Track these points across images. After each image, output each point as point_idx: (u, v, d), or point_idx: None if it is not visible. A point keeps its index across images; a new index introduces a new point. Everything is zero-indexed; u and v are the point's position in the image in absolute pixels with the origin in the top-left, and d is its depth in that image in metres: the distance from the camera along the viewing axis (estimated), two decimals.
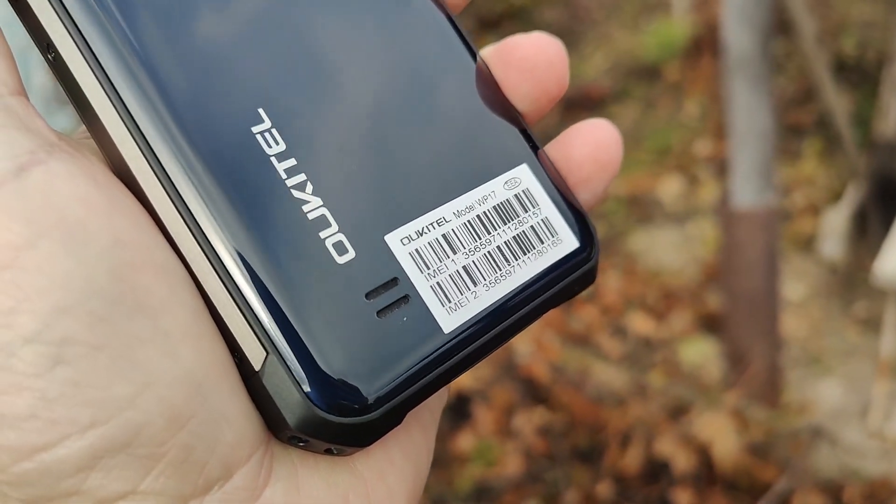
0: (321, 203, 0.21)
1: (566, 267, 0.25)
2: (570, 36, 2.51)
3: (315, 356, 0.20)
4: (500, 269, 0.24)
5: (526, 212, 0.25)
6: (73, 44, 0.20)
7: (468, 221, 0.24)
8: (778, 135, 1.62)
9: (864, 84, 2.14)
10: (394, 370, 0.21)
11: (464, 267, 0.23)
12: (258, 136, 0.21)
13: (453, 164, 0.24)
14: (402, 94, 0.24)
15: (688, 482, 1.33)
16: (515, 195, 0.25)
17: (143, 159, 0.20)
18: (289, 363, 0.20)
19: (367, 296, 0.21)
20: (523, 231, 0.25)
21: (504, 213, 0.25)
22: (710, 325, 1.72)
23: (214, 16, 0.22)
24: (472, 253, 0.23)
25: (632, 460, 1.36)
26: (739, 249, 1.54)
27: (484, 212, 0.24)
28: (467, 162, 0.25)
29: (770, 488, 1.32)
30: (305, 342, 0.20)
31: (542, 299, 0.24)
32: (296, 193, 0.21)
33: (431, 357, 0.22)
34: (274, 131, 0.22)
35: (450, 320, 0.22)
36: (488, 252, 0.24)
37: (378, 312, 0.21)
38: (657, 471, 1.36)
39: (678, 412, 1.43)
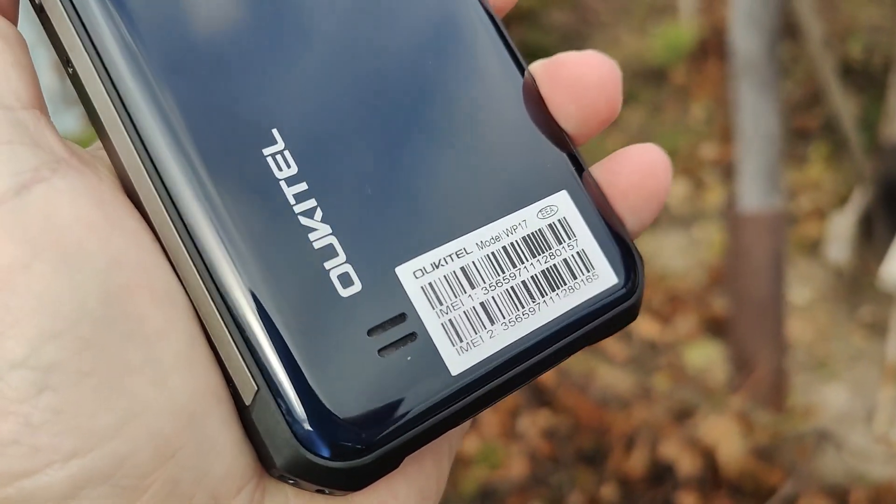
0: (330, 231, 0.20)
1: (600, 305, 0.23)
2: (577, 38, 2.51)
3: (307, 395, 0.19)
4: (523, 307, 0.22)
5: (560, 243, 0.23)
6: (89, 60, 0.20)
7: (492, 253, 0.22)
8: (784, 139, 1.62)
9: (870, 88, 2.14)
10: (391, 413, 0.20)
11: (481, 303, 0.22)
12: (269, 159, 0.20)
13: (484, 189, 0.23)
14: (432, 108, 0.23)
15: (692, 485, 1.33)
16: (549, 225, 0.23)
17: (147, 176, 0.20)
18: (279, 400, 0.19)
19: (370, 332, 0.20)
20: (554, 265, 0.23)
21: (534, 244, 0.23)
22: (716, 328, 1.72)
23: (231, 30, 0.21)
24: (492, 288, 0.22)
25: (636, 463, 1.36)
26: (745, 253, 1.54)
27: (511, 243, 0.22)
28: (500, 187, 0.23)
29: (775, 492, 1.32)
30: (298, 379, 0.19)
31: (567, 341, 0.22)
32: (303, 220, 0.20)
33: (434, 401, 0.20)
34: (286, 153, 0.21)
35: (459, 361, 0.21)
36: (511, 288, 0.22)
37: (380, 350, 0.20)
38: (662, 474, 1.36)
39: (683, 415, 1.43)
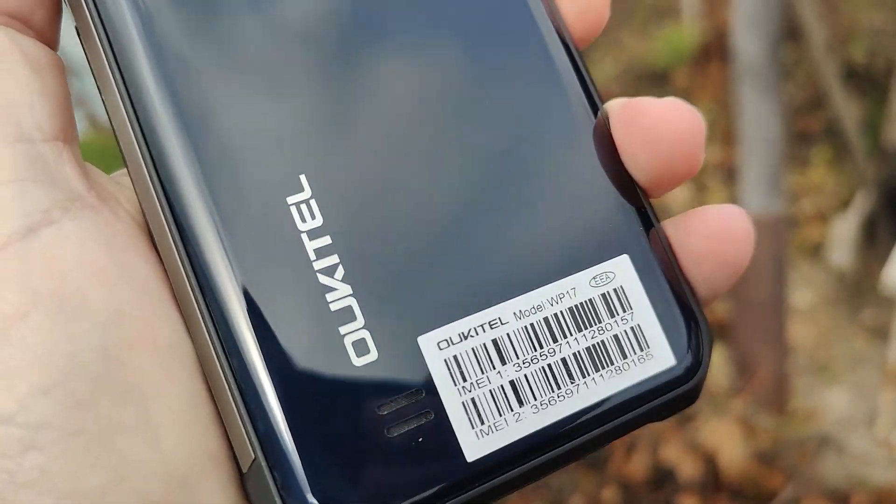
0: (350, 292, 0.19)
1: (650, 388, 0.20)
2: None
3: (304, 471, 0.18)
4: (559, 388, 0.19)
5: (612, 316, 0.20)
6: (118, 94, 0.19)
7: (531, 325, 0.20)
8: (787, 142, 1.62)
9: (873, 91, 2.14)
10: (392, 499, 0.18)
11: (511, 382, 0.19)
12: (293, 208, 0.19)
13: (532, 250, 0.20)
14: (481, 151, 0.20)
15: (693, 489, 1.33)
16: (603, 294, 0.20)
17: (162, 215, 0.19)
18: (275, 473, 0.18)
19: (381, 406, 0.18)
20: (602, 341, 0.20)
21: (582, 316, 0.20)
22: (717, 331, 1.72)
23: (264, 70, 0.20)
24: (525, 365, 0.19)
25: (637, 466, 1.36)
26: None
27: (555, 314, 0.20)
28: (551, 247, 0.20)
29: (776, 496, 1.32)
30: (295, 454, 0.18)
31: (604, 430, 0.20)
32: (322, 278, 0.19)
33: (441, 488, 0.18)
34: (312, 203, 0.19)
35: (476, 446, 0.19)
36: (548, 365, 0.19)
37: (389, 428, 0.18)
38: (663, 477, 1.35)
39: (684, 419, 1.43)
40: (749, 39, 1.47)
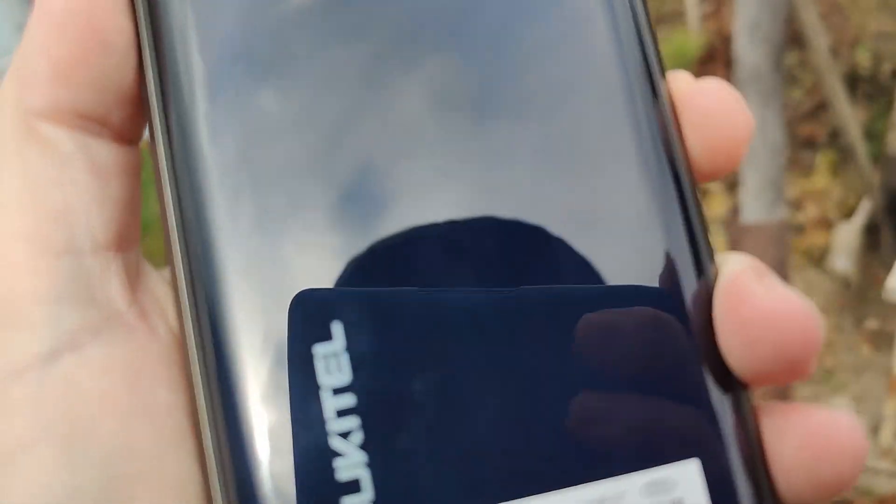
0: (364, 461, 0.16)
1: None
2: None
3: None
4: None
5: None
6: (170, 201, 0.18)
7: None
8: (789, 148, 1.61)
9: (878, 97, 2.13)
10: None
11: None
12: (318, 360, 0.16)
13: (574, 437, 0.16)
14: (538, 334, 0.16)
15: None
16: None
17: (186, 329, 0.18)
18: None
19: None
20: None
21: None
22: None
23: (310, 191, 0.17)
24: None
25: None
26: None
27: None
28: (599, 437, 0.16)
29: None
30: None
31: None
32: (334, 443, 0.16)
33: None
34: (344, 358, 0.16)
35: None
36: None
37: None
38: None
39: None
40: (750, 47, 1.46)
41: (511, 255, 0.17)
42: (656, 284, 0.17)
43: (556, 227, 0.17)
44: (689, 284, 0.17)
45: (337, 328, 0.17)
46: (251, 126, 0.18)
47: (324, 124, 0.18)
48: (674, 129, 0.18)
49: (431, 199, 0.17)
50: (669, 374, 0.16)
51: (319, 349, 0.17)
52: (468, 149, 0.17)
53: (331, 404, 0.16)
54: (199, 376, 0.17)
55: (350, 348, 0.17)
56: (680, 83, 0.19)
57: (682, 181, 0.17)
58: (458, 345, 0.17)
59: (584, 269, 0.17)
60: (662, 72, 0.18)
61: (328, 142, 0.18)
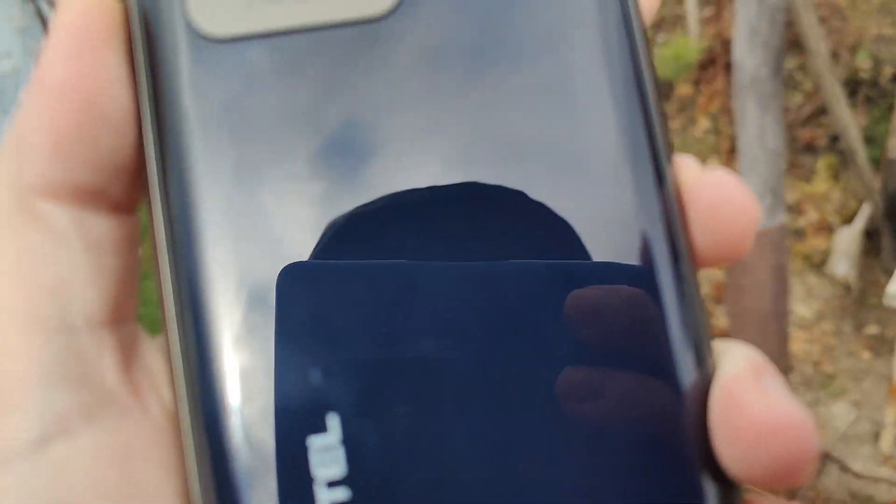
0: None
1: None
2: None
3: None
4: None
5: None
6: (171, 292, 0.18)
7: None
8: (789, 153, 1.61)
9: (878, 101, 2.12)
10: None
11: None
12: (312, 453, 0.16)
13: None
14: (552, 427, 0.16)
15: None
16: None
17: (180, 406, 0.17)
18: None
19: None
20: None
21: None
22: None
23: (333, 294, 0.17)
24: None
25: None
26: (748, 269, 1.53)
27: None
28: None
29: None
30: None
31: None
32: None
33: None
34: (340, 452, 0.16)
35: None
36: None
37: None
38: None
39: None
40: (750, 53, 1.46)
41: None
42: (654, 380, 0.17)
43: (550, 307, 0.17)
44: (688, 377, 0.17)
45: (332, 420, 0.16)
46: (252, 199, 0.17)
47: (330, 195, 0.17)
48: (678, 218, 0.18)
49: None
50: (664, 472, 0.17)
51: (316, 441, 0.16)
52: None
53: (325, 496, 0.16)
54: (192, 460, 0.17)
55: (345, 442, 0.16)
56: (688, 172, 0.19)
57: (685, 278, 0.18)
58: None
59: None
60: (670, 156, 0.18)
61: (332, 208, 0.17)
